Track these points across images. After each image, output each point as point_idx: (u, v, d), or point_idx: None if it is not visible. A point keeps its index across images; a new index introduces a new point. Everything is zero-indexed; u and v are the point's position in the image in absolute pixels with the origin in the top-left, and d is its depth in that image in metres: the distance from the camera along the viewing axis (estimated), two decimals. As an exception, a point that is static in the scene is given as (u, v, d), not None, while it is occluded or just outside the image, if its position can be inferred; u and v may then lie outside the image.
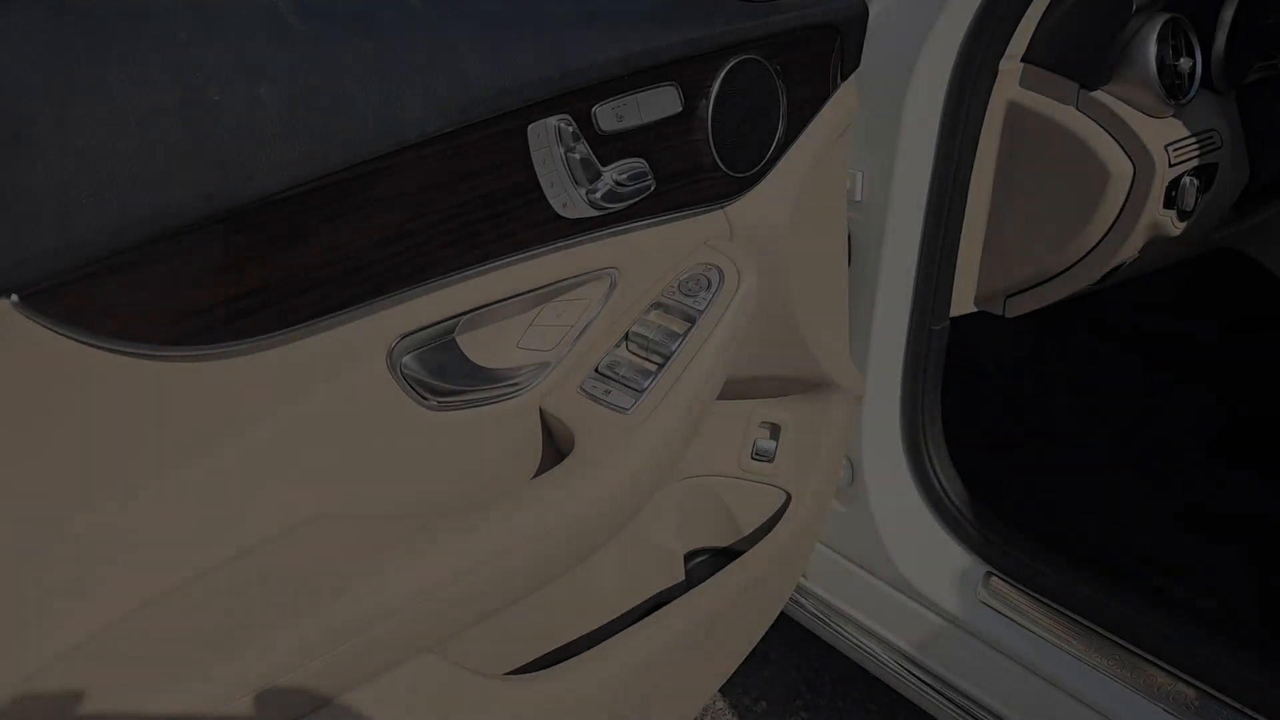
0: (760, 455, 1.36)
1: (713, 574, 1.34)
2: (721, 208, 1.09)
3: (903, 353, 1.62)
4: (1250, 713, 1.28)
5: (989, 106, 1.49)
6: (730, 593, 1.26)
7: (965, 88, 1.45)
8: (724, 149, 1.04)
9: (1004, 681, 1.51)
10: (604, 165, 0.94)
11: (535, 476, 1.00)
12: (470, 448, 0.93)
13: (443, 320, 0.86)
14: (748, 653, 1.39)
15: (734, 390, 1.28)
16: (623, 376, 1.00)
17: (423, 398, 0.87)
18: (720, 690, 2.06)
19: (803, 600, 1.81)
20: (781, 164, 1.13)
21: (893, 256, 1.54)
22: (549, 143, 0.88)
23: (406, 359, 0.85)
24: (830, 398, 1.34)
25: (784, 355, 1.24)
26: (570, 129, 0.89)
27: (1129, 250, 1.48)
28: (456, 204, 0.82)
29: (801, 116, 1.15)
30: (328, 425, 0.81)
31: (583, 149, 0.91)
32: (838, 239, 1.33)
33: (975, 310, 1.66)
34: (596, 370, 1.01)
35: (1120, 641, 1.44)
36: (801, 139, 1.15)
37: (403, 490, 0.89)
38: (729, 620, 1.28)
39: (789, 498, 1.37)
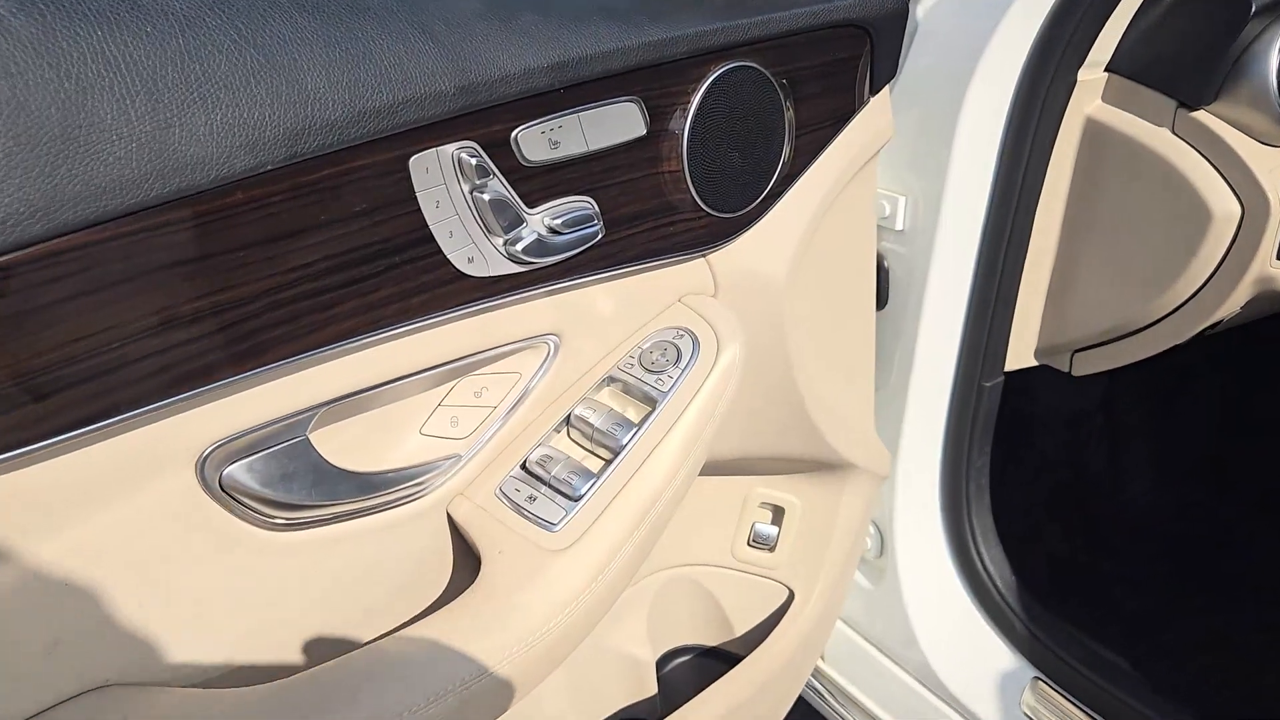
0: (759, 542, 1.12)
1: (696, 678, 1.11)
2: (702, 254, 0.86)
3: (946, 410, 1.37)
4: None
5: (1063, 124, 1.23)
6: (715, 714, 1.03)
7: (1035, 100, 1.20)
8: (706, 182, 0.81)
9: (1047, 818, 1.26)
10: (530, 207, 0.71)
11: (435, 607, 0.78)
12: (339, 572, 0.71)
13: (282, 419, 0.64)
14: None
15: (726, 466, 1.04)
16: (555, 478, 0.77)
17: (262, 515, 0.65)
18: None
19: (815, 682, 1.57)
20: (786, 200, 0.89)
21: (939, 297, 1.29)
22: (442, 179, 0.65)
23: (232, 470, 0.63)
24: (847, 478, 1.10)
25: (784, 435, 1.00)
26: (475, 160, 0.66)
27: (1229, 307, 1.21)
28: (290, 270, 0.59)
29: (815, 140, 0.90)
30: (118, 561, 0.60)
31: (496, 187, 0.68)
32: (861, 289, 1.08)
33: (1035, 365, 1.40)
34: (523, 466, 0.79)
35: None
36: (814, 168, 0.90)
37: (234, 641, 0.67)
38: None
39: (791, 596, 1.13)
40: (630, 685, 1.09)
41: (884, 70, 0.95)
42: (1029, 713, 1.32)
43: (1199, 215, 1.16)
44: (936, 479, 1.41)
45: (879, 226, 1.31)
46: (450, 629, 0.68)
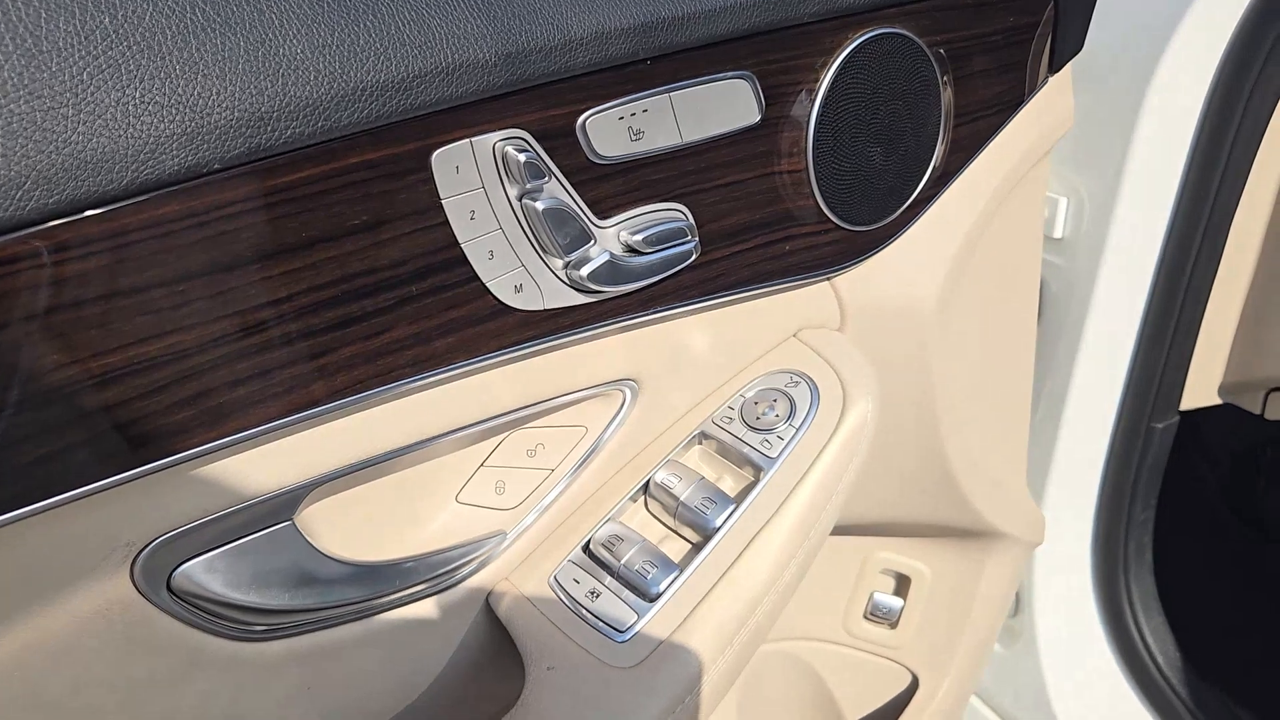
0: (878, 616, 0.93)
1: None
2: (827, 277, 0.66)
3: (1105, 453, 1.15)
4: None
5: (1275, 116, 1.00)
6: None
7: (1241, 87, 0.98)
8: (837, 186, 0.61)
9: None
10: (601, 219, 0.53)
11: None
12: (342, 684, 0.55)
13: (254, 501, 0.47)
14: None
15: (847, 529, 0.86)
16: (626, 567, 0.59)
17: (232, 623, 0.49)
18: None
19: (933, 756, 1.37)
20: (938, 208, 0.69)
21: (1104, 319, 1.08)
22: (480, 181, 0.48)
23: (186, 570, 0.47)
24: (991, 546, 0.90)
25: (919, 499, 0.81)
26: (525, 156, 0.48)
27: None
28: (255, 308, 0.43)
29: (978, 131, 0.70)
30: (35, 692, 0.45)
31: (555, 191, 0.50)
32: (1023, 319, 0.87)
33: (1220, 404, 1.17)
34: (586, 548, 0.61)
35: None
36: (974, 167, 0.70)
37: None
38: None
39: (915, 682, 0.93)
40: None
41: (1068, 43, 0.74)
42: (1196, 823, 1.10)
43: None
44: (1089, 533, 1.19)
45: (1031, 233, 1.10)
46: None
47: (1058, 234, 1.09)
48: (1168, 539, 1.34)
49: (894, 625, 0.93)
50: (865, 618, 0.94)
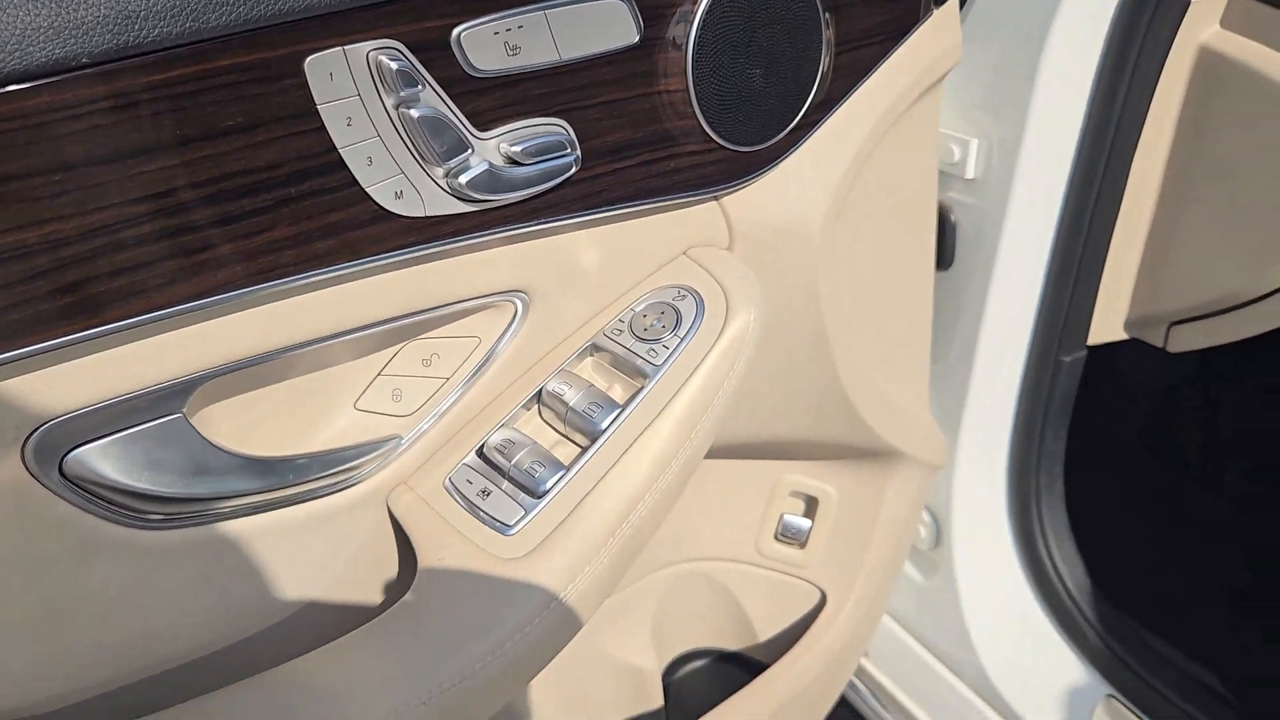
0: (788, 536, 0.97)
1: (710, 686, 0.97)
2: (714, 196, 0.70)
3: (1018, 388, 1.20)
4: None
5: (1170, 55, 1.04)
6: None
7: (1137, 27, 1.01)
8: (719, 107, 0.64)
9: None
10: (481, 131, 0.56)
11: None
12: (240, 578, 0.58)
13: (141, 392, 0.50)
14: None
15: (748, 449, 0.89)
16: (516, 468, 0.62)
17: (128, 511, 0.52)
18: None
19: (857, 682, 1.42)
20: (822, 132, 0.72)
21: (1014, 257, 1.12)
22: (355, 89, 0.50)
23: (79, 455, 0.50)
24: (894, 467, 0.94)
25: (816, 419, 0.85)
26: (398, 65, 0.51)
27: (1366, 276, 1.02)
28: (132, 201, 0.45)
29: (861, 59, 0.73)
30: None
31: (431, 101, 0.53)
32: (917, 248, 0.91)
33: (1125, 339, 1.22)
34: (480, 452, 0.64)
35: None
36: (859, 94, 0.73)
37: (96, 660, 0.54)
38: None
39: (824, 599, 0.98)
40: (630, 697, 0.96)
41: None
42: (1099, 735, 1.16)
43: (1335, 165, 0.96)
44: (1003, 465, 1.24)
45: (946, 174, 1.14)
46: (364, 655, 0.54)
47: (970, 175, 1.13)
48: (1089, 475, 1.40)
49: (803, 545, 0.98)
50: (776, 538, 0.98)
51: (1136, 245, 1.15)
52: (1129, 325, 1.20)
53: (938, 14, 0.79)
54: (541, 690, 0.89)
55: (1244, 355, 1.57)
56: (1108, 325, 1.19)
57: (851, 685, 1.43)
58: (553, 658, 0.61)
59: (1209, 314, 1.14)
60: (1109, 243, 1.12)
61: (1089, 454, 1.36)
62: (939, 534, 1.28)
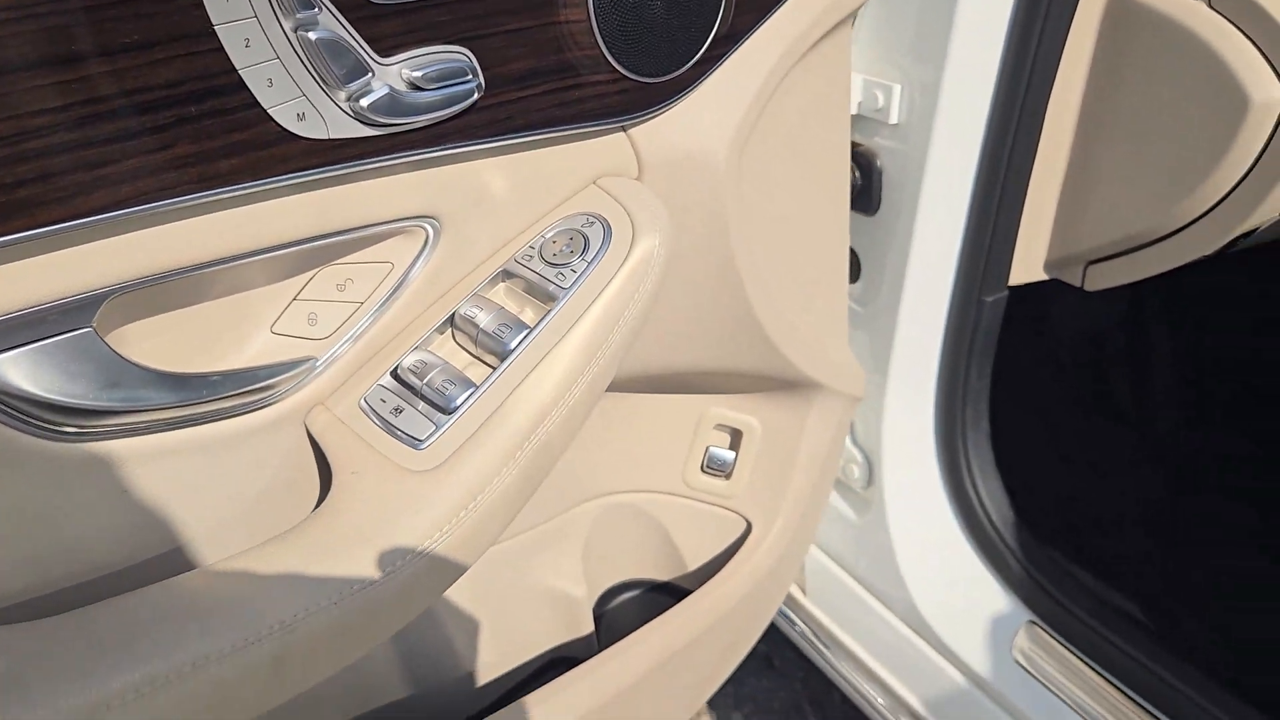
0: (714, 468, 1.01)
1: (642, 616, 1.00)
2: (620, 127, 0.72)
3: (942, 328, 1.23)
4: None
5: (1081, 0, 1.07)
6: (652, 658, 0.93)
7: (1051, -31, 1.03)
8: (621, 37, 0.67)
9: (1035, 776, 1.15)
10: (382, 56, 0.58)
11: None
12: (155, 493, 0.60)
13: (47, 305, 0.52)
14: None
15: (673, 382, 0.92)
16: (428, 386, 0.65)
17: (40, 423, 0.54)
18: (708, 701, 1.75)
19: (795, 618, 1.47)
20: (728, 66, 0.75)
21: (936, 200, 1.16)
22: (252, 9, 0.52)
23: (-14, 365, 0.52)
24: (813, 399, 0.97)
25: (732, 349, 0.88)
26: None
27: (1265, 212, 1.05)
28: (28, 114, 0.47)
29: None
30: None
31: (329, 24, 0.55)
32: (830, 185, 0.94)
33: (1045, 279, 1.25)
34: (394, 373, 0.67)
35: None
36: (764, 29, 0.76)
37: (7, 570, 0.56)
38: (654, 691, 0.94)
39: (749, 528, 1.01)
40: (561, 623, 0.99)
41: None
42: (1021, 660, 1.21)
43: (1235, 103, 1.00)
44: (930, 404, 1.28)
45: (871, 120, 1.17)
46: (274, 559, 0.57)
47: (894, 120, 1.16)
48: (1022, 415, 1.44)
49: (728, 476, 1.01)
50: (702, 470, 1.01)
51: (1054, 187, 1.19)
52: (1048, 266, 1.24)
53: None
54: (473, 617, 0.92)
55: (1165, 292, 1.62)
56: (1028, 266, 1.23)
57: (790, 622, 1.48)
58: (466, 568, 0.64)
59: (1123, 252, 1.18)
60: (1027, 185, 1.15)
61: (1015, 392, 1.40)
62: (871, 473, 1.33)
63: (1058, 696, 1.16)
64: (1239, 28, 1.00)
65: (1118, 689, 1.14)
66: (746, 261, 0.81)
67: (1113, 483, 1.66)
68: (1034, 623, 1.23)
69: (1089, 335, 1.85)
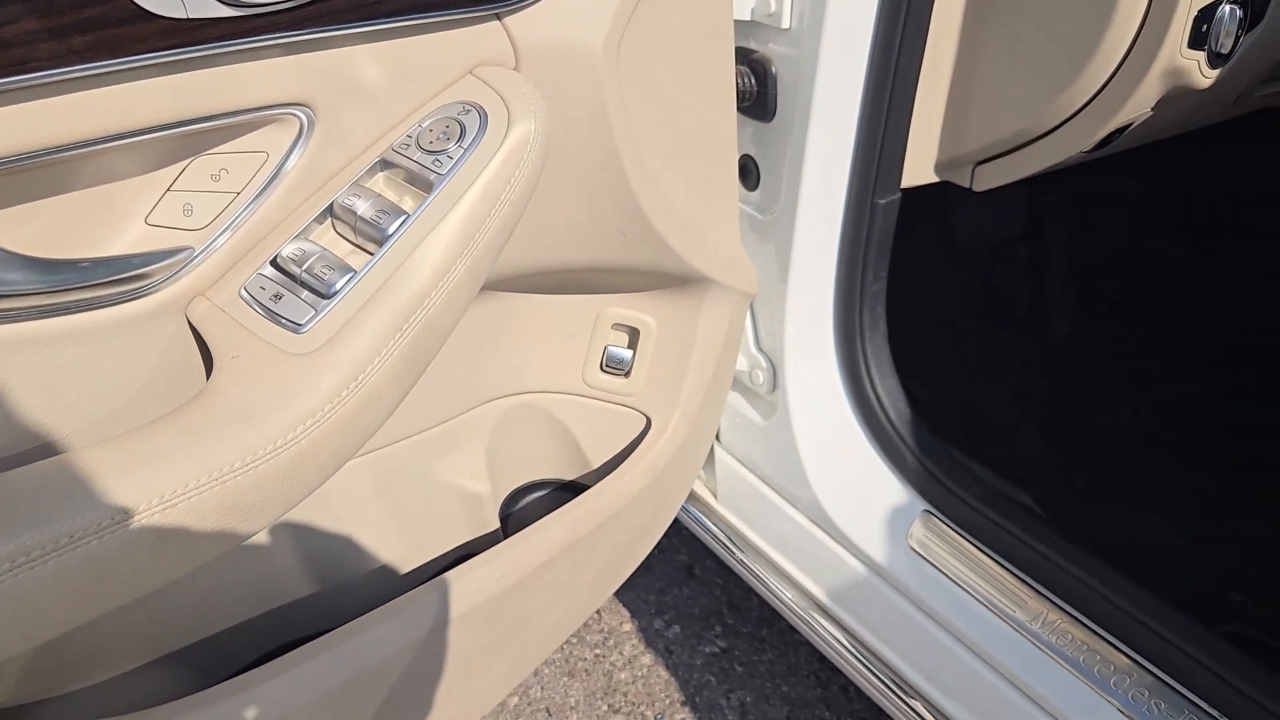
0: (613, 367, 1.03)
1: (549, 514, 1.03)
2: (495, 14, 0.73)
3: (839, 233, 1.27)
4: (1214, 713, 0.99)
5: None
6: (553, 548, 0.96)
7: None
8: None
9: (931, 654, 1.21)
10: None
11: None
12: (26, 381, 0.61)
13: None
14: (575, 626, 1.09)
15: (568, 280, 0.94)
16: (308, 272, 0.66)
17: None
18: (629, 608, 1.80)
19: (710, 524, 1.51)
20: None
21: (828, 105, 1.18)
22: None
23: None
24: (705, 295, 1.00)
25: (622, 242, 0.90)
26: None
27: (1137, 106, 1.10)
28: None
29: None
30: None
31: None
32: (714, 85, 0.96)
33: (936, 181, 1.29)
34: (274, 262, 0.68)
35: (1078, 616, 1.13)
36: None
37: None
38: (556, 581, 0.98)
39: (649, 422, 1.04)
40: (466, 521, 1.01)
41: None
42: (916, 547, 1.27)
43: (1104, 1, 1.03)
44: (830, 307, 1.32)
45: (765, 26, 1.18)
46: (155, 439, 0.58)
47: (785, 25, 1.17)
48: (920, 317, 1.49)
49: (627, 374, 1.04)
50: (601, 369, 1.04)
51: (942, 89, 1.22)
52: (939, 168, 1.28)
53: None
54: (378, 515, 0.94)
55: (1054, 193, 1.67)
56: (919, 168, 1.27)
57: (705, 529, 1.52)
58: (353, 448, 0.66)
59: (1006, 151, 1.22)
60: (915, 88, 1.18)
61: (915, 295, 1.45)
62: (775, 377, 1.36)
63: (949, 578, 1.22)
64: (1109, -75, 1.03)
65: (1004, 567, 1.20)
66: (631, 156, 0.83)
67: (1003, 385, 1.73)
68: (929, 511, 1.28)
69: (985, 240, 1.90)
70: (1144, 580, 1.13)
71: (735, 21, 1.16)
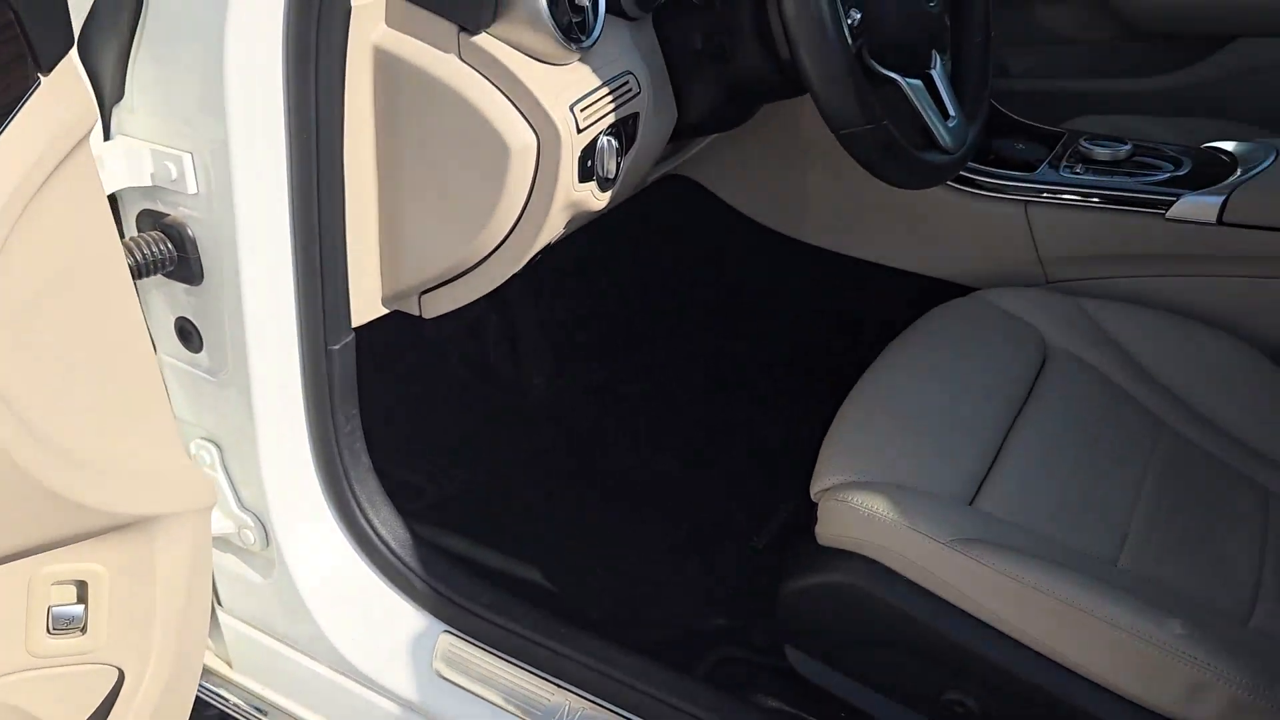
0: (64, 627, 0.91)
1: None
2: None
3: (299, 381, 1.23)
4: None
5: (350, 55, 1.10)
6: None
7: (307, 30, 1.04)
8: None
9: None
10: None
11: None
12: None
13: None
14: None
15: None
16: None
17: None
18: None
19: (226, 695, 1.42)
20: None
21: (259, 263, 1.13)
22: None
23: None
24: (155, 529, 0.92)
25: (35, 525, 0.79)
26: None
27: (551, 232, 1.19)
28: None
29: None
30: None
31: None
32: (112, 308, 0.88)
33: (387, 313, 1.31)
34: None
35: (596, 700, 1.23)
36: None
37: None
38: None
39: (121, 676, 0.94)
40: None
41: (50, 43, 0.73)
42: (441, 671, 1.29)
43: (498, 150, 1.10)
44: (308, 455, 1.28)
45: (173, 191, 1.11)
46: None
47: (192, 190, 1.10)
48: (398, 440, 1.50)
49: (84, 630, 0.93)
50: (49, 634, 0.92)
51: (372, 234, 1.22)
52: (387, 301, 1.29)
53: (49, 80, 0.74)
54: None
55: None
56: (367, 306, 1.27)
57: (223, 700, 1.43)
58: None
59: (447, 281, 1.26)
60: (344, 237, 1.17)
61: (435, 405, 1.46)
62: (266, 533, 1.30)
63: (477, 696, 1.26)
64: (489, 79, 1.10)
65: (527, 670, 1.26)
66: (11, 435, 0.73)
67: (509, 476, 1.81)
68: (448, 631, 1.31)
69: (469, 319, 1.97)
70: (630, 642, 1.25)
71: (138, 188, 1.08)
